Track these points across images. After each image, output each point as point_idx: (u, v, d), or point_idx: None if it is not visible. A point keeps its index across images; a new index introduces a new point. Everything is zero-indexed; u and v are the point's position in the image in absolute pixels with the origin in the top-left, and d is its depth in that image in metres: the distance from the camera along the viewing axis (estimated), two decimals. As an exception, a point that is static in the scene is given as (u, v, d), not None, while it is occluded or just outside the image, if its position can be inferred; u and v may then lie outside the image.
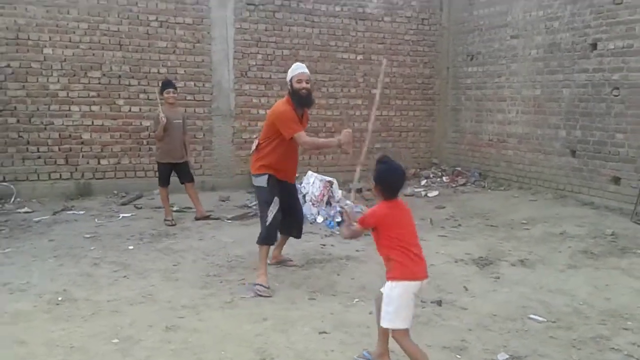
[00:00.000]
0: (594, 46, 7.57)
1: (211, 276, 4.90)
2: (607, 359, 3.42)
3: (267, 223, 4.64)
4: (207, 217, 6.99)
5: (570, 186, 8.02)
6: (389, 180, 3.14)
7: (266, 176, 4.71)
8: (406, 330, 3.06)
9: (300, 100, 4.66)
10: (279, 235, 4.95)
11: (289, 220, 4.97)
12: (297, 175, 5.19)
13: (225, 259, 5.39)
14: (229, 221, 6.96)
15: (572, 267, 5.19)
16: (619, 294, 4.49)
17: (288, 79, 4.71)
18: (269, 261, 4.88)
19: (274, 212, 4.64)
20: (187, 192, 7.02)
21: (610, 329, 3.85)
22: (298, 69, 4.74)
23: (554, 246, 5.85)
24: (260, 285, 4.48)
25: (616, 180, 7.32)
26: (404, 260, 3.06)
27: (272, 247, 4.88)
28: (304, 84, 4.65)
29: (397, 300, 3.02)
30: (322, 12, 9.52)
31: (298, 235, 5.18)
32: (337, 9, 9.63)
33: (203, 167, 8.94)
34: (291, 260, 5.25)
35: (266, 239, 4.67)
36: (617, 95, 7.26)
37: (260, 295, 4.38)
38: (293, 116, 4.61)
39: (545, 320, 3.99)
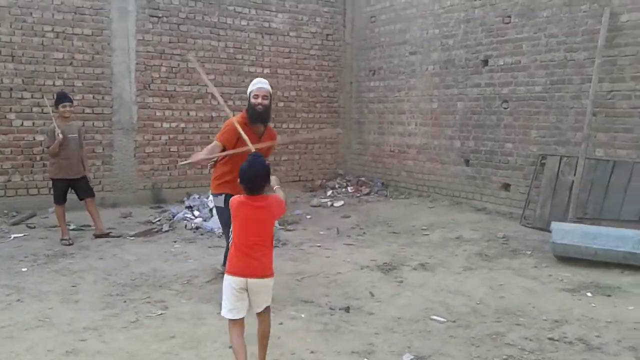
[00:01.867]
0: (486, 62, 8.12)
1: (114, 296, 4.71)
2: (504, 354, 3.64)
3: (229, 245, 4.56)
4: (106, 235, 6.70)
5: (465, 193, 8.52)
6: (240, 176, 3.20)
7: (224, 195, 4.58)
8: (234, 322, 3.20)
9: (254, 115, 4.59)
10: None
11: None
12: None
13: (128, 278, 5.19)
14: (132, 238, 6.72)
15: (469, 269, 5.51)
16: (511, 292, 4.82)
17: (248, 92, 4.70)
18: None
19: (230, 236, 4.54)
20: (87, 209, 6.70)
21: (505, 325, 4.11)
22: (256, 84, 4.68)
23: (452, 250, 6.19)
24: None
25: (506, 187, 7.87)
26: (232, 255, 3.20)
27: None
28: (259, 100, 4.58)
29: (224, 291, 3.20)
30: (227, 26, 9.51)
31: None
32: (243, 23, 9.65)
33: (103, 182, 8.57)
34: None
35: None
36: (506, 108, 7.83)
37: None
38: (229, 127, 4.51)
39: (446, 320, 4.21)
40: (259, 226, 3.15)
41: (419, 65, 9.32)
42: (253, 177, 3.15)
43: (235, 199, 3.21)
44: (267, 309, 3.26)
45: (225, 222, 4.59)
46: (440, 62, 8.89)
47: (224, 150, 4.50)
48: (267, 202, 3.18)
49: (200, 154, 4.48)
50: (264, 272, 3.16)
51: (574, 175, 6.74)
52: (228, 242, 4.48)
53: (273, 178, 3.41)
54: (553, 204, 6.96)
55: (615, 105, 6.57)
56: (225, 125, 4.64)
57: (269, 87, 4.71)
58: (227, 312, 3.18)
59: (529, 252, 6.01)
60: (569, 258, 5.59)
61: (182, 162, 4.72)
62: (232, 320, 3.18)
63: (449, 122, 8.76)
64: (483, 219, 7.50)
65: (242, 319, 3.20)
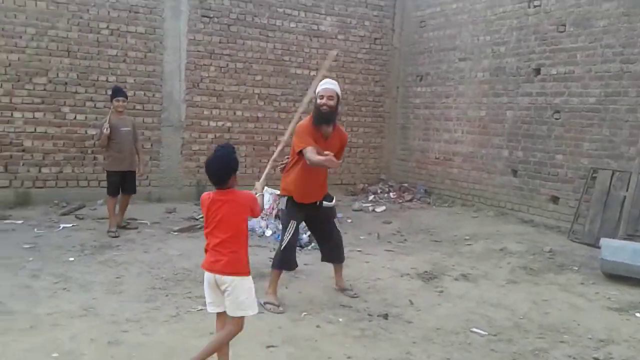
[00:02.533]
0: (538, 71, 7.92)
1: (156, 289, 4.80)
2: (545, 371, 3.55)
3: (281, 247, 4.59)
4: (123, 227, 6.87)
5: (510, 204, 8.32)
6: (205, 168, 3.17)
7: (285, 198, 4.65)
8: (216, 316, 3.27)
9: (318, 115, 4.51)
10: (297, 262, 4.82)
11: (327, 246, 4.93)
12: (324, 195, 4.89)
13: (171, 272, 5.28)
14: (176, 233, 6.84)
15: (512, 282, 5.37)
16: (556, 308, 4.68)
17: (315, 93, 4.61)
18: (334, 286, 4.96)
19: (289, 237, 4.56)
20: (122, 201, 6.88)
21: (549, 342, 3.99)
22: (323, 84, 4.58)
23: (495, 262, 6.05)
24: (269, 303, 4.44)
25: (555, 200, 7.65)
26: (206, 250, 3.21)
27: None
28: (325, 100, 4.48)
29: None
30: (276, 28, 9.59)
31: (337, 259, 4.97)
32: (292, 25, 9.72)
33: (150, 177, 8.77)
34: (351, 290, 4.90)
35: (278, 263, 4.61)
36: (558, 119, 7.61)
37: (272, 312, 4.35)
38: (306, 130, 4.48)
39: (487, 333, 4.11)
40: (226, 221, 3.10)
41: (468, 71, 9.17)
42: (216, 169, 3.11)
43: (204, 195, 3.19)
44: (238, 319, 3.17)
45: (283, 224, 4.67)
46: (490, 70, 8.73)
47: (319, 152, 4.41)
48: (234, 196, 3.12)
49: (332, 164, 4.36)
50: (232, 269, 3.10)
51: (626, 190, 6.51)
52: (280, 245, 4.59)
53: (258, 183, 3.45)
54: (603, 219, 6.73)
55: (674, 119, 6.30)
56: (296, 135, 4.52)
57: (336, 88, 4.59)
58: (207, 305, 3.26)
59: (576, 268, 5.81)
60: (617, 276, 5.39)
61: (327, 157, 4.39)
62: (216, 314, 3.25)
63: (497, 131, 8.58)
64: (529, 232, 7.31)
65: (223, 314, 3.20)
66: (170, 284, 4.97)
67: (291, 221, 4.58)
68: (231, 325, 3.18)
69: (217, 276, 3.12)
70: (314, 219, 4.82)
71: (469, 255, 6.35)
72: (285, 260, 4.60)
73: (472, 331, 4.14)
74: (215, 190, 3.16)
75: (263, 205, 3.39)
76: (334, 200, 4.90)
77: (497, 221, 8.00)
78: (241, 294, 3.12)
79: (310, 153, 4.37)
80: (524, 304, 4.78)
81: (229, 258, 3.09)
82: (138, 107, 8.61)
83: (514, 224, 7.76)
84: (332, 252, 4.93)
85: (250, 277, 3.21)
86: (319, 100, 4.51)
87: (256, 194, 3.44)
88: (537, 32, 7.92)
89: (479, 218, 8.25)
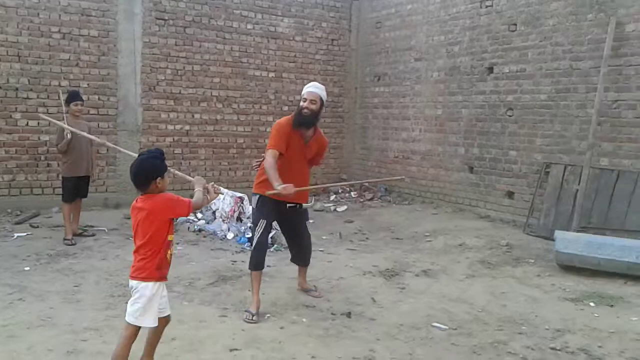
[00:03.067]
0: (491, 70, 8.12)
1: (115, 297, 4.70)
2: (504, 362, 3.64)
3: (252, 246, 4.57)
4: (80, 234, 6.73)
5: (468, 200, 8.50)
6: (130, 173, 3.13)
7: (257, 197, 4.55)
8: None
9: (298, 118, 4.45)
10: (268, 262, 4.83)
11: (297, 248, 4.90)
12: (307, 199, 4.90)
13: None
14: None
15: (471, 277, 5.49)
16: (514, 301, 4.81)
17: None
18: (298, 287, 4.94)
19: (257, 236, 4.50)
20: (75, 206, 6.72)
21: (507, 334, 4.10)
22: (308, 87, 4.54)
23: (454, 257, 6.17)
24: (247, 311, 4.30)
25: (510, 195, 7.85)
26: None
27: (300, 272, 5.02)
28: (307, 104, 4.42)
29: None
30: (233, 29, 9.53)
31: (304, 261, 4.95)
32: (249, 26, 9.68)
33: (107, 183, 8.59)
34: (315, 291, 4.88)
35: (251, 264, 4.53)
36: (511, 116, 7.82)
37: (246, 322, 4.19)
38: (283, 130, 4.42)
39: (448, 328, 4.20)
40: (141, 228, 3.06)
41: (424, 71, 9.32)
42: (135, 173, 3.07)
43: (135, 201, 3.14)
44: (131, 326, 3.09)
45: (254, 222, 4.62)
46: (445, 69, 8.89)
47: (281, 155, 4.36)
48: (150, 202, 3.05)
49: (288, 188, 4.14)
50: (136, 272, 3.07)
51: (579, 184, 6.73)
52: (251, 244, 4.60)
53: (196, 178, 3.32)
54: (557, 212, 6.94)
55: (620, 114, 6.56)
56: (272, 130, 4.50)
57: (320, 92, 4.51)
58: None
59: (532, 261, 5.98)
60: (572, 267, 5.56)
61: (269, 193, 4.29)
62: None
63: (453, 129, 8.75)
64: (486, 227, 7.48)
65: (131, 326, 3.11)
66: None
67: (261, 220, 4.50)
68: (125, 331, 3.12)
69: (129, 280, 3.12)
70: (287, 220, 4.77)
71: (429, 251, 6.46)
72: (254, 261, 4.52)
73: (433, 326, 4.22)
74: (138, 196, 3.12)
75: (205, 193, 3.24)
76: (312, 202, 4.92)
77: (455, 217, 8.16)
78: (140, 299, 3.06)
79: (271, 158, 4.30)
80: (482, 297, 4.89)
81: (139, 264, 3.06)
82: (93, 111, 8.42)
83: (472, 220, 7.93)
84: (301, 254, 4.91)
85: (157, 285, 3.09)
86: (301, 103, 4.45)
87: (203, 185, 3.29)
88: (490, 32, 8.12)
89: (438, 215, 8.40)
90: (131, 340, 3.12)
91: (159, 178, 3.06)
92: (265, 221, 4.51)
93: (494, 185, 8.08)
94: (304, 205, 4.80)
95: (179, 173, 4.10)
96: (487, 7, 8.15)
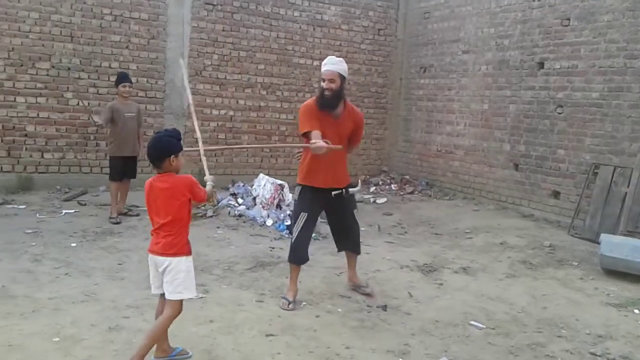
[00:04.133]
0: (541, 65, 7.89)
1: (157, 276, 4.82)
2: (542, 365, 3.57)
3: (292, 241, 4.43)
4: (125, 214, 6.89)
5: (512, 198, 8.33)
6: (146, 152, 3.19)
7: (299, 188, 4.43)
8: (158, 297, 3.30)
9: (321, 100, 4.28)
10: (308, 254, 4.52)
11: (343, 236, 4.66)
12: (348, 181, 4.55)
13: (172, 259, 5.31)
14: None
15: (512, 277, 5.39)
16: (554, 303, 4.70)
17: None
18: (348, 282, 4.78)
19: (297, 231, 4.35)
20: (122, 186, 6.89)
21: (546, 336, 4.02)
22: (325, 64, 4.31)
23: (495, 255, 6.07)
24: (284, 298, 4.31)
25: (556, 195, 7.65)
26: (151, 233, 3.26)
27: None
28: (326, 84, 4.22)
29: None
30: (280, 16, 9.55)
31: (354, 249, 4.70)
32: (296, 14, 9.68)
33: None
34: (366, 287, 4.67)
35: (290, 257, 4.42)
36: (560, 113, 7.60)
37: (282, 309, 4.21)
38: (310, 112, 4.26)
39: (485, 327, 4.14)
40: (164, 206, 3.13)
41: (471, 64, 9.14)
42: (150, 151, 3.14)
43: (147, 181, 3.21)
44: (176, 302, 3.17)
45: (294, 215, 4.48)
46: (493, 63, 8.70)
47: (323, 135, 4.18)
48: (171, 181, 3.13)
49: (323, 143, 4.07)
50: (169, 249, 3.12)
51: (627, 186, 6.51)
52: (291, 238, 4.45)
53: (209, 177, 3.38)
54: (604, 215, 6.73)
55: (677, 116, 6.29)
56: (300, 114, 4.37)
57: (337, 68, 4.26)
58: (151, 286, 3.32)
59: (576, 263, 5.83)
60: (617, 272, 5.41)
61: (314, 145, 4.10)
62: (159, 297, 3.30)
63: (499, 125, 8.57)
64: (530, 226, 7.32)
65: (162, 297, 3.24)
66: (171, 271, 4.99)
67: (301, 213, 4.34)
68: (169, 308, 3.18)
69: (157, 258, 3.16)
70: (333, 210, 4.54)
71: (469, 248, 6.37)
72: (294, 254, 4.40)
73: (470, 324, 4.17)
74: (155, 175, 3.19)
75: (213, 194, 3.36)
76: (358, 186, 4.63)
77: (497, 215, 8.01)
78: (178, 275, 3.14)
79: (316, 138, 4.15)
80: (522, 298, 4.80)
81: (166, 240, 3.12)
82: (141, 94, 8.60)
83: (515, 218, 7.77)
84: (349, 242, 4.67)
85: (189, 258, 3.20)
86: (321, 84, 4.28)
87: (212, 186, 3.38)
88: (541, 26, 7.89)
89: (480, 211, 8.26)
90: (173, 317, 3.20)
91: (173, 156, 3.12)
92: (307, 214, 4.33)
93: (540, 184, 7.88)
94: (352, 190, 4.53)
95: (205, 163, 3.93)
96: (539, 0, 7.91)
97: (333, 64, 4.29)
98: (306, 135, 4.25)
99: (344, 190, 4.43)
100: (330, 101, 4.26)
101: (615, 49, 6.92)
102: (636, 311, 4.56)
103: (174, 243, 3.13)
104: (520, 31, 8.23)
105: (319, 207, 4.47)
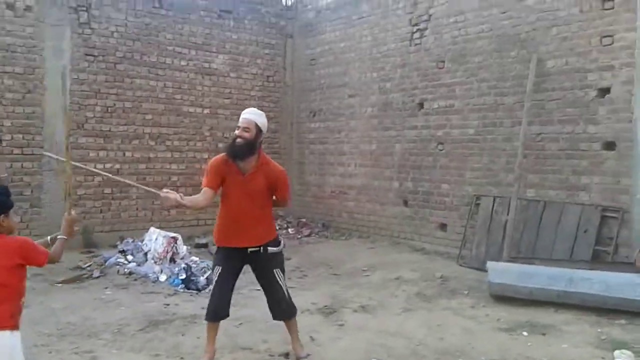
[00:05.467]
0: (421, 105, 8.37)
1: (38, 346, 4.41)
2: (441, 396, 3.63)
3: (211, 295, 4.17)
4: None
5: (404, 233, 8.62)
6: None
7: (213, 242, 4.28)
8: None
9: (230, 148, 4.01)
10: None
11: (269, 299, 4.22)
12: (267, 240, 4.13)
13: (55, 327, 4.88)
14: (60, 285, 6.37)
15: (408, 310, 5.51)
16: (450, 333, 4.84)
17: None
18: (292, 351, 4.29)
19: (212, 286, 4.16)
20: None
21: (443, 366, 4.11)
22: (242, 114, 4.10)
23: (392, 291, 6.19)
24: None
25: (443, 227, 8.02)
26: None
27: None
28: (239, 131, 3.97)
29: None
30: (167, 66, 9.42)
31: (282, 316, 4.26)
32: (183, 63, 9.59)
33: (30, 226, 8.11)
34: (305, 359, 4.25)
35: (206, 313, 4.12)
36: (442, 150, 8.05)
37: None
38: (215, 165, 4.03)
39: (386, 363, 4.17)
40: None
41: (358, 107, 9.50)
42: None
43: None
44: None
45: (211, 269, 4.25)
46: (378, 105, 9.10)
47: (214, 194, 4.01)
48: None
49: (176, 195, 3.81)
50: None
51: (507, 215, 6.94)
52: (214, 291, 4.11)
53: (63, 224, 3.07)
54: (488, 243, 7.13)
55: (544, 147, 6.87)
56: (207, 166, 4.14)
57: (255, 118, 4.04)
58: None
59: (466, 292, 6.08)
60: (505, 297, 5.67)
61: (163, 193, 3.88)
62: None
63: (387, 163, 8.91)
64: (421, 259, 7.58)
65: None
66: (54, 339, 4.60)
67: (215, 267, 4.12)
68: None
69: None
70: (255, 268, 4.20)
71: (367, 286, 6.45)
72: (207, 310, 4.12)
73: (372, 362, 4.18)
74: None
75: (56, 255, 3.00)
76: (280, 246, 4.20)
77: (391, 251, 8.23)
78: (2, 352, 2.73)
79: (199, 195, 4.01)
80: (420, 330, 4.90)
81: None
82: (16, 151, 8.03)
83: (407, 253, 8.03)
84: (275, 306, 4.21)
85: (14, 333, 2.79)
86: (235, 131, 4.04)
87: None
88: (419, 69, 8.40)
89: (375, 249, 8.45)
90: None
91: (2, 215, 2.80)
92: (220, 268, 4.07)
93: (428, 218, 8.24)
94: (271, 249, 4.11)
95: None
96: (416, 45, 8.44)
97: (251, 114, 4.10)
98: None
99: (261, 248, 4.07)
100: (240, 150, 3.95)
101: (487, 88, 7.50)
102: (525, 333, 4.79)
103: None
104: (400, 74, 8.70)
105: (235, 261, 4.12)
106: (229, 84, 10.15)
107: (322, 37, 10.30)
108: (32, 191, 8.18)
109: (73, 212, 3.14)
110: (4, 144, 6.63)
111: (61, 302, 5.67)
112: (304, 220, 10.35)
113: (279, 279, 4.16)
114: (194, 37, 9.72)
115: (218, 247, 4.19)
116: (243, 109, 10.19)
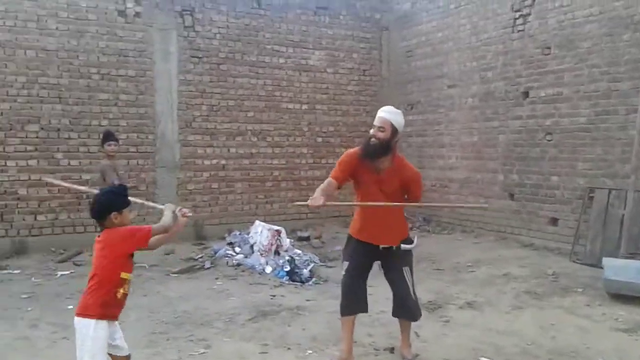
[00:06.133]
0: (526, 94, 8.00)
1: (157, 334, 4.70)
2: (557, 398, 3.47)
3: (341, 290, 4.12)
4: None
5: (510, 228, 8.29)
6: None
7: (347, 236, 4.18)
8: None
9: (364, 148, 3.92)
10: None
11: (393, 296, 4.15)
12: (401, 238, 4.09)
13: (171, 315, 5.19)
14: (175, 275, 6.76)
15: (518, 308, 5.31)
16: (564, 332, 4.61)
17: None
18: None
19: (343, 279, 4.06)
20: None
21: (559, 367, 3.93)
22: (379, 112, 3.98)
23: (499, 288, 5.99)
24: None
25: (554, 221, 7.63)
26: None
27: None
28: (374, 131, 3.88)
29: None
30: (266, 64, 9.69)
31: (402, 315, 4.15)
32: (281, 60, 9.82)
33: (147, 219, 8.67)
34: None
35: (341, 307, 4.07)
36: (550, 140, 7.65)
37: None
38: (342, 160, 3.96)
39: (496, 362, 4.05)
40: (94, 262, 2.99)
41: (458, 98, 9.25)
42: (90, 206, 3.07)
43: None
44: None
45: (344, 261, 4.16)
46: (479, 95, 8.81)
47: (339, 187, 3.94)
48: (104, 237, 2.99)
49: (316, 199, 3.73)
50: (81, 309, 2.95)
51: (624, 208, 6.49)
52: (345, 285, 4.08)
53: (167, 205, 3.22)
54: (603, 238, 6.70)
55: (665, 135, 6.33)
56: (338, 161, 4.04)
57: (391, 117, 3.90)
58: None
59: (581, 290, 5.76)
60: (623, 296, 5.35)
61: (298, 204, 4.12)
62: None
63: (491, 155, 8.61)
64: (531, 255, 7.27)
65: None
66: (171, 327, 4.88)
67: (344, 261, 4.10)
68: None
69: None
70: (384, 264, 4.14)
71: (472, 282, 6.28)
72: (343, 305, 4.06)
73: (480, 360, 4.08)
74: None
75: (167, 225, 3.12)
76: (413, 244, 4.13)
77: (498, 246, 7.96)
78: (79, 337, 2.93)
79: (324, 183, 3.90)
80: (531, 329, 4.71)
81: (84, 298, 2.96)
82: (132, 149, 8.61)
83: (515, 248, 7.72)
84: (396, 305, 4.14)
85: (95, 323, 2.92)
86: (371, 130, 3.96)
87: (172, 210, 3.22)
88: (523, 56, 8.03)
89: (480, 244, 8.21)
90: None
91: (115, 212, 2.98)
92: (348, 263, 4.04)
93: (537, 212, 7.87)
94: (404, 247, 4.06)
95: (149, 203, 3.90)
96: (519, 31, 8.08)
97: (387, 112, 3.94)
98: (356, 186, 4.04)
99: (393, 246, 4.02)
100: (373, 150, 3.85)
101: (598, 74, 7.04)
102: (647, 335, 4.48)
103: (87, 303, 2.93)
104: (502, 63, 8.37)
105: (364, 257, 4.06)
106: (325, 80, 10.26)
107: (418, 28, 10.12)
108: (147, 187, 8.75)
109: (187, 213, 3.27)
110: (120, 142, 7.14)
111: (176, 291, 6.02)
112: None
113: (407, 278, 4.07)
114: (291, 35, 9.92)
115: (349, 239, 4.13)
116: (340, 104, 10.45)
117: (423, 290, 5.94)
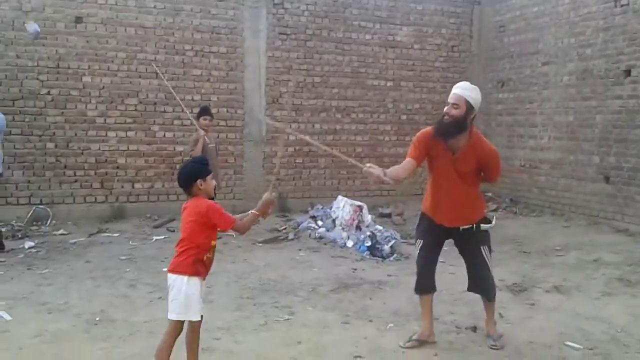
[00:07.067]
0: (628, 72, 7.52)
1: (244, 299, 4.94)
2: (649, 388, 3.33)
3: (417, 269, 4.09)
4: None
5: (604, 213, 7.89)
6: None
7: (420, 214, 4.12)
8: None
9: (437, 126, 3.80)
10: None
11: (469, 274, 4.10)
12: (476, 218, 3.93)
13: (257, 282, 5.43)
14: (260, 244, 7.02)
15: (608, 295, 5.09)
16: (658, 322, 4.39)
17: None
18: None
19: (417, 257, 4.05)
20: None
21: (651, 358, 3.76)
22: (453, 89, 3.81)
23: (589, 273, 5.75)
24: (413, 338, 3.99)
25: (652, 207, 7.19)
26: None
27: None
28: (448, 108, 3.74)
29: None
30: (352, 40, 9.68)
31: (479, 291, 4.10)
32: (368, 37, 9.77)
33: (234, 191, 9.06)
34: (495, 342, 3.98)
35: (415, 286, 4.08)
36: (652, 122, 7.17)
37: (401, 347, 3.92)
38: (417, 140, 3.84)
39: (582, 347, 3.92)
40: (183, 225, 3.22)
41: (552, 75, 8.83)
42: (177, 176, 3.34)
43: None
44: (173, 321, 3.17)
45: (417, 239, 4.11)
46: (576, 73, 8.37)
47: (417, 167, 3.82)
48: (194, 203, 3.21)
49: (380, 171, 3.58)
50: (174, 267, 3.16)
51: None
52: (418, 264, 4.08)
53: (261, 203, 3.33)
54: None
55: None
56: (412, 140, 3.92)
57: (465, 94, 3.72)
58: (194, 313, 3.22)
59: (679, 279, 5.42)
60: None
61: (352, 161, 3.91)
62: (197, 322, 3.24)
63: (586, 136, 8.19)
64: (625, 241, 6.90)
65: (173, 322, 3.18)
66: (257, 293, 5.10)
67: (417, 240, 4.05)
68: (188, 330, 3.22)
69: (168, 274, 3.20)
70: (457, 242, 4.07)
71: (560, 266, 6.07)
72: (418, 283, 4.04)
73: (566, 345, 3.96)
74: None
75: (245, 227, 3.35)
76: (491, 223, 3.98)
77: (589, 230, 7.62)
78: (177, 295, 3.13)
79: (402, 163, 3.79)
80: (621, 316, 4.51)
81: (178, 258, 3.16)
82: (222, 123, 8.94)
83: (609, 233, 7.36)
84: (474, 282, 4.08)
85: (191, 279, 3.13)
86: (445, 108, 3.80)
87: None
88: (626, 32, 7.53)
89: (570, 228, 7.89)
90: (173, 336, 3.21)
91: (200, 180, 3.22)
92: (422, 241, 4.00)
93: (634, 197, 7.43)
94: (483, 226, 3.94)
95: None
96: (622, 6, 7.57)
97: (462, 89, 3.76)
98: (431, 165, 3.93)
99: (474, 226, 3.90)
100: (446, 128, 3.72)
101: None
102: None
103: (180, 261, 3.14)
104: (602, 39, 7.89)
105: (437, 236, 4.00)
106: (412, 56, 10.11)
107: (512, 2, 9.71)
108: (235, 159, 9.08)
109: (273, 194, 3.44)
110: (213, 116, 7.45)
111: (262, 260, 6.26)
112: (489, 194, 9.99)
113: (485, 256, 3.97)
114: (379, 11, 9.82)
115: (421, 217, 4.07)
116: (426, 81, 10.26)
117: (507, 272, 5.84)
